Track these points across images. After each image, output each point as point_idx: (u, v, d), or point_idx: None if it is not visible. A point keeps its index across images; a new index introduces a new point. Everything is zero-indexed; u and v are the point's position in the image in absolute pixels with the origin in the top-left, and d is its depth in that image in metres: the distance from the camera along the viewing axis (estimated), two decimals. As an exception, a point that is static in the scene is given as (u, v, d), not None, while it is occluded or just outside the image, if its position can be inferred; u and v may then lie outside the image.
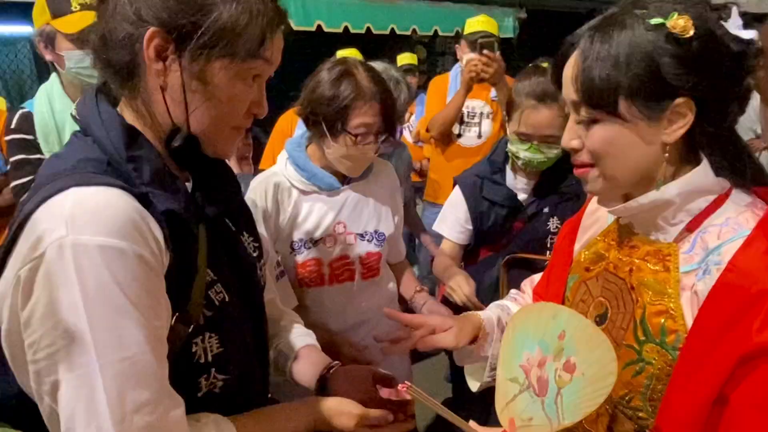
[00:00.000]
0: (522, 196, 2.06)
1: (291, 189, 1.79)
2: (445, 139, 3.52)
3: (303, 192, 1.79)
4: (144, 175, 0.87)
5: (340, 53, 3.88)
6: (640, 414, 1.02)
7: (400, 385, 1.04)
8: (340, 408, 1.11)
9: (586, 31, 0.95)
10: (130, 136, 0.90)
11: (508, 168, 2.11)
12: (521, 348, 1.06)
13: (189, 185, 1.01)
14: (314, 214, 1.80)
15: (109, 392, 0.77)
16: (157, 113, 0.93)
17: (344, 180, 1.84)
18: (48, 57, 1.93)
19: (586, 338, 0.98)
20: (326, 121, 1.67)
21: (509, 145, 1.98)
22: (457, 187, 2.19)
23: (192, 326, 0.93)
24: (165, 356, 0.85)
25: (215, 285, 0.99)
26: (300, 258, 1.81)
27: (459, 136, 3.50)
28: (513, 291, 1.48)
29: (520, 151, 1.93)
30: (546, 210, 2.05)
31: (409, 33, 6.80)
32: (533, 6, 8.19)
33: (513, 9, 7.79)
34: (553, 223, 2.05)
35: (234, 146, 1.01)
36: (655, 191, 0.98)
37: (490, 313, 1.38)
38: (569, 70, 0.97)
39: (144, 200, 0.85)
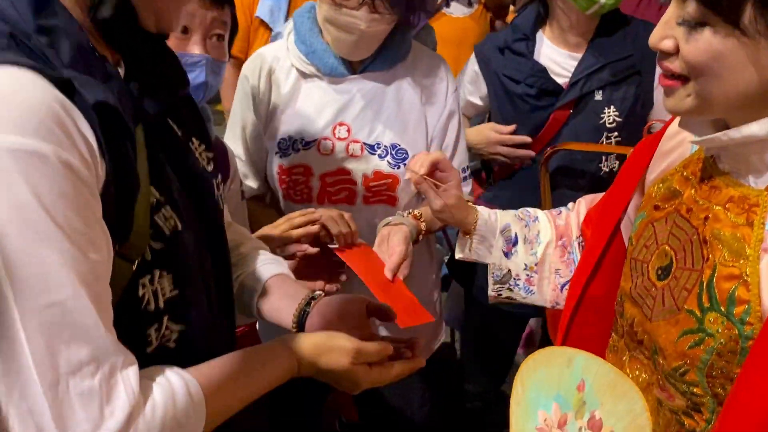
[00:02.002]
0: (562, 80, 1.65)
1: (291, 69, 1.43)
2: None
3: (303, 74, 1.42)
4: (63, 53, 0.64)
5: None
6: (695, 390, 0.84)
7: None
8: (329, 343, 0.88)
9: None
10: None
11: (541, 34, 1.69)
12: (535, 407, 0.89)
13: (121, 71, 0.76)
14: (311, 106, 1.42)
15: (36, 349, 0.59)
16: None
17: (359, 66, 1.42)
18: None
19: (609, 386, 0.84)
20: None
21: None
22: (472, 59, 1.79)
23: (136, 262, 0.72)
24: (108, 300, 0.67)
25: (163, 208, 0.76)
26: (285, 162, 1.43)
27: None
28: (567, 206, 1.24)
29: None
30: (599, 95, 1.64)
31: None
32: None
33: None
34: (609, 115, 1.65)
35: (182, 13, 0.78)
36: (757, 124, 0.76)
37: (498, 215, 1.18)
38: None
39: (66, 88, 0.62)
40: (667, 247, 0.89)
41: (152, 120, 0.77)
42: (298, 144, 1.43)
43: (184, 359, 0.77)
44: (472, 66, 1.80)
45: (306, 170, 1.44)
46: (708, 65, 0.75)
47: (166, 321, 0.78)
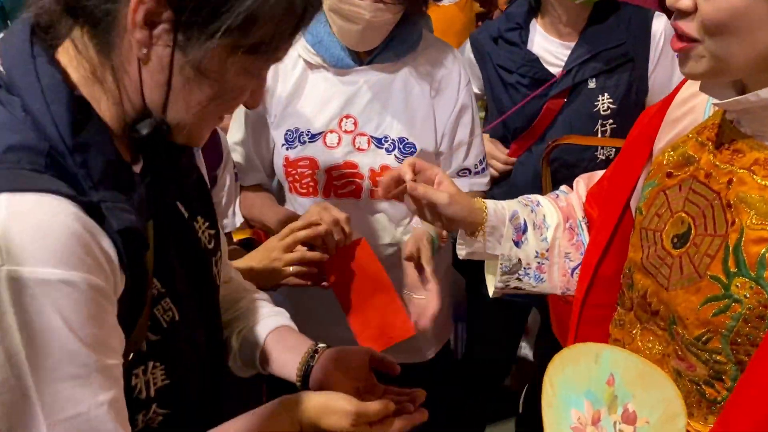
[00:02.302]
0: (556, 69, 1.64)
1: (298, 59, 1.38)
2: None
3: (309, 65, 1.37)
4: (93, 171, 0.67)
5: None
6: (718, 357, 0.82)
7: None
8: (330, 405, 0.88)
9: None
10: (80, 116, 0.67)
11: (534, 23, 1.67)
12: (567, 406, 0.88)
13: (138, 168, 0.79)
14: (317, 98, 1.37)
15: None
16: (126, 86, 0.70)
17: (366, 56, 1.36)
18: None
19: (638, 377, 0.83)
20: None
21: None
22: (468, 48, 1.77)
23: (132, 354, 0.75)
24: (122, 398, 0.70)
25: (163, 300, 0.80)
26: (291, 154, 1.39)
27: None
28: (561, 189, 1.22)
29: None
30: (592, 83, 1.63)
31: None
32: None
33: None
34: (603, 102, 1.64)
35: (209, 132, 0.79)
36: None
37: (504, 204, 1.13)
38: None
39: (95, 212, 0.66)
40: (683, 214, 0.87)
41: (162, 208, 0.81)
42: (304, 136, 1.38)
43: None
44: (468, 55, 1.77)
45: (312, 163, 1.39)
46: (727, 24, 0.73)
47: (154, 407, 0.81)
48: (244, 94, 0.75)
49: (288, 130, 1.39)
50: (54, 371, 0.63)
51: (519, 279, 1.12)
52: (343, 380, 0.95)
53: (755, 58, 0.75)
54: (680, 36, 0.79)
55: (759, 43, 0.74)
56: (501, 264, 1.10)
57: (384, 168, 1.38)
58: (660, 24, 1.63)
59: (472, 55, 1.76)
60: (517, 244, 1.10)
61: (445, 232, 1.34)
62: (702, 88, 0.83)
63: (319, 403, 0.88)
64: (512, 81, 1.68)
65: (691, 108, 0.94)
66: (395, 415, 0.91)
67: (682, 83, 0.98)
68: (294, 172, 1.41)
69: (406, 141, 1.37)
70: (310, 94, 1.37)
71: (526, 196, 1.18)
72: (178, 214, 0.87)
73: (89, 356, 0.65)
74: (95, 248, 0.65)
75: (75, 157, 0.66)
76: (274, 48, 0.72)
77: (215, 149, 1.38)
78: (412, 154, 1.38)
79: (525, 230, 1.11)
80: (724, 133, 0.84)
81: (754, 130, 0.81)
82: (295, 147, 1.39)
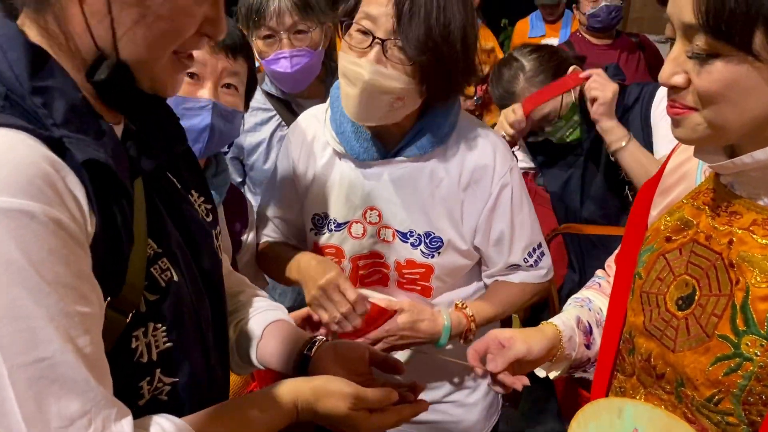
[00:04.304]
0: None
1: (327, 143, 1.33)
2: None
3: (336, 152, 1.33)
4: (56, 112, 0.66)
5: None
6: (729, 419, 0.82)
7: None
8: (327, 387, 0.87)
9: None
10: (35, 61, 0.68)
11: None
12: None
13: (119, 128, 0.79)
14: (343, 186, 1.32)
15: (25, 405, 0.59)
16: (74, 34, 0.70)
17: (393, 147, 1.28)
18: None
19: (663, 430, 0.82)
20: (344, 7, 1.19)
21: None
22: None
23: (130, 315, 0.73)
24: (101, 352, 0.67)
25: (159, 260, 0.78)
26: (321, 239, 1.36)
27: None
28: (597, 274, 1.25)
29: None
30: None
31: None
32: None
33: None
34: None
35: (179, 79, 0.78)
36: None
37: (566, 317, 1.13)
38: None
39: (57, 147, 0.65)
40: (687, 277, 0.89)
41: (151, 175, 0.80)
42: (331, 224, 1.35)
43: (176, 412, 0.77)
44: None
45: (338, 251, 1.36)
46: (722, 93, 0.76)
47: (158, 374, 0.78)
48: (192, 17, 0.72)
49: (316, 215, 1.37)
50: (11, 308, 0.59)
51: (585, 371, 1.15)
52: (340, 373, 0.93)
53: (749, 122, 0.78)
54: (675, 106, 0.82)
55: (754, 108, 0.77)
56: (572, 363, 1.12)
57: (409, 262, 1.32)
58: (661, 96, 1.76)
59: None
60: (588, 346, 1.12)
61: (473, 326, 1.30)
62: (696, 154, 0.87)
63: (316, 385, 0.87)
64: None
65: (682, 175, 0.98)
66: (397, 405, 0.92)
67: (670, 155, 1.02)
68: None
69: (433, 235, 1.31)
70: (336, 181, 1.33)
71: (574, 297, 1.21)
72: (169, 183, 0.86)
73: (50, 295, 0.61)
74: (58, 182, 0.63)
75: (34, 99, 0.66)
76: None
77: (242, 215, 1.40)
78: (438, 248, 1.31)
79: (591, 331, 1.14)
80: (720, 197, 0.88)
81: (749, 192, 0.84)
82: (323, 233, 1.36)
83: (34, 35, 0.71)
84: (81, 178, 0.66)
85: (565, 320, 1.12)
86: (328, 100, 1.36)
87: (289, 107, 1.80)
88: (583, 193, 1.85)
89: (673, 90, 0.81)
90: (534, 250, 1.38)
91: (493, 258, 1.37)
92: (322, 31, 1.71)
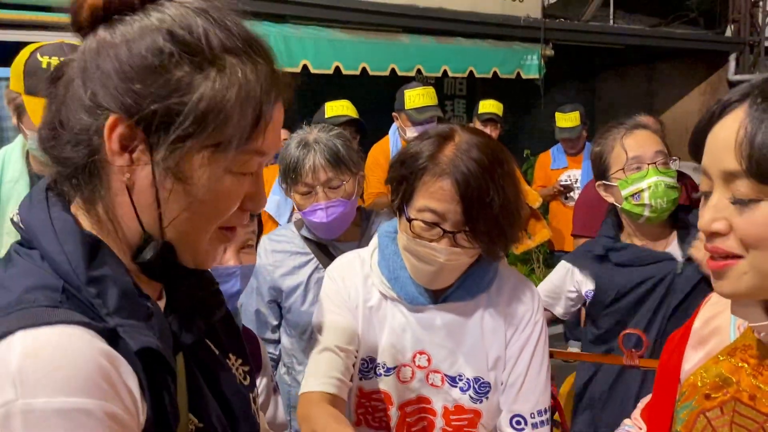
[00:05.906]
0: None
1: (373, 287, 1.35)
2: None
3: (384, 296, 1.34)
4: (110, 300, 0.68)
5: (330, 106, 3.39)
6: None
7: None
8: None
9: (756, 87, 0.77)
10: (90, 251, 0.70)
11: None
12: None
13: (162, 302, 0.79)
14: (392, 329, 1.32)
15: None
16: (122, 218, 0.73)
17: (440, 294, 1.32)
18: (14, 122, 1.72)
19: None
20: (396, 191, 1.26)
21: (623, 204, 1.72)
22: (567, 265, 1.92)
23: None
24: None
25: None
26: (366, 385, 1.33)
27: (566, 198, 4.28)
28: (625, 423, 1.21)
29: (642, 182, 1.65)
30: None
31: (413, 74, 5.92)
32: (561, 40, 7.05)
33: (537, 45, 6.76)
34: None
35: (220, 251, 0.80)
36: None
37: None
38: (727, 133, 0.77)
39: (112, 337, 0.66)
40: (732, 438, 0.85)
41: (191, 345, 0.80)
42: (380, 368, 1.33)
43: None
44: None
45: (386, 397, 1.33)
46: (766, 236, 0.76)
47: None
48: (234, 198, 0.74)
49: (363, 360, 1.34)
50: None
51: None
52: None
53: None
54: (717, 254, 0.80)
55: None
56: None
57: (458, 407, 1.31)
58: None
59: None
60: None
61: None
62: (733, 312, 0.86)
63: None
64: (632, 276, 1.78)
65: (715, 328, 0.96)
66: None
67: (701, 305, 1.02)
68: (367, 404, 1.35)
69: (482, 381, 1.31)
70: (385, 324, 1.33)
71: None
72: (208, 350, 0.86)
73: None
74: (113, 374, 0.64)
75: (90, 289, 0.68)
76: (245, 139, 0.71)
77: (254, 358, 1.34)
78: (486, 393, 1.31)
79: None
80: (762, 354, 0.86)
81: (794, 352, 0.83)
82: (371, 378, 1.34)
83: (86, 223, 0.73)
84: (134, 366, 0.67)
85: None
86: (372, 244, 1.40)
87: (326, 251, 1.85)
88: None
89: (714, 236, 0.80)
90: (546, 410, 1.34)
91: (501, 401, 1.34)
92: (355, 180, 1.79)
